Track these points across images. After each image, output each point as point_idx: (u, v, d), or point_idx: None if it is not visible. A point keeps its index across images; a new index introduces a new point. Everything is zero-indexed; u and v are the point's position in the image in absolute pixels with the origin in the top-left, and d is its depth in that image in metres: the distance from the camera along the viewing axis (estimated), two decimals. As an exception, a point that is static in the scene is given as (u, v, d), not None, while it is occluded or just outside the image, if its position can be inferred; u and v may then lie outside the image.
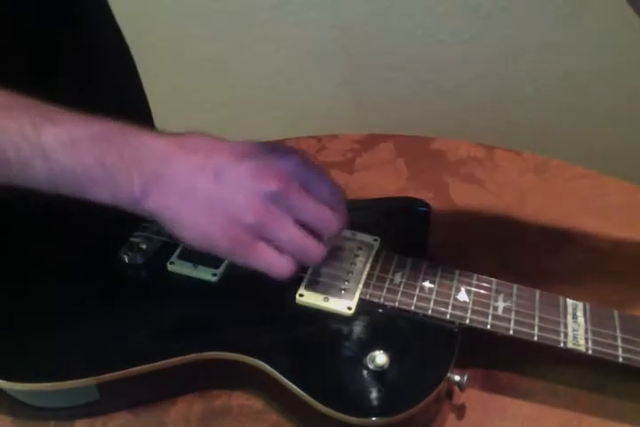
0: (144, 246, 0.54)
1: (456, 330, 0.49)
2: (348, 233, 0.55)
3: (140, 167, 0.44)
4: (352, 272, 0.52)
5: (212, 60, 1.08)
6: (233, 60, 1.07)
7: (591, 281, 0.58)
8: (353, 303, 0.50)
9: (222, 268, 0.52)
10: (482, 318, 0.48)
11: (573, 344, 0.47)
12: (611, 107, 1.05)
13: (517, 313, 0.49)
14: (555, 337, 0.47)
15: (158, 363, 0.47)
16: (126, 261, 0.53)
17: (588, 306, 0.50)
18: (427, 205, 0.59)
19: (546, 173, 0.72)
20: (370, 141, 0.77)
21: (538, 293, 0.50)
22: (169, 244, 0.54)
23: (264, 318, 0.50)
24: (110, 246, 0.54)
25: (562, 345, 0.47)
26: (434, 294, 0.50)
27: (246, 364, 0.47)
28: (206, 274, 0.52)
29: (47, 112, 0.44)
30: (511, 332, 0.48)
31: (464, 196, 0.69)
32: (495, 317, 0.49)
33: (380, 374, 0.45)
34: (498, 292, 0.50)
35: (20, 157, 0.42)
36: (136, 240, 0.55)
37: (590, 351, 0.47)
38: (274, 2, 0.98)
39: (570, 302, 0.50)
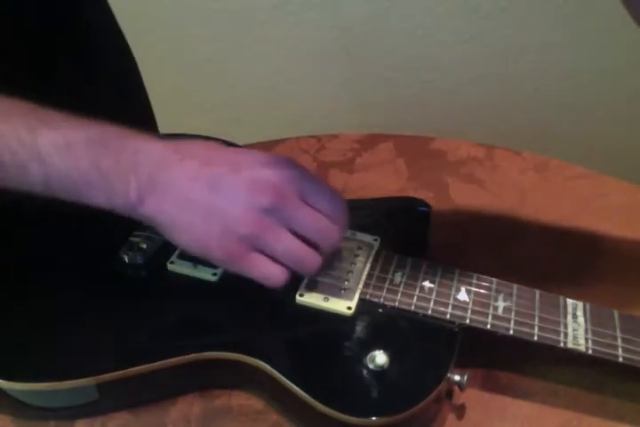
0: (144, 246, 0.54)
1: (456, 330, 0.49)
2: (348, 233, 0.55)
3: (135, 172, 0.44)
4: (352, 272, 0.52)
5: (211, 60, 1.08)
6: (233, 60, 1.07)
7: (591, 281, 0.58)
8: (353, 303, 0.50)
9: (222, 268, 0.52)
10: (482, 318, 0.48)
11: (573, 344, 0.47)
12: (611, 107, 1.05)
13: (517, 313, 0.49)
14: (555, 337, 0.47)
15: (158, 363, 0.47)
16: (126, 260, 0.53)
17: (587, 306, 0.50)
18: (427, 205, 0.59)
19: (546, 173, 0.72)
20: (370, 141, 0.77)
21: (538, 293, 0.50)
22: (169, 243, 0.53)
23: (264, 317, 0.50)
24: (110, 246, 0.54)
25: (562, 345, 0.47)
26: (434, 293, 0.50)
27: (246, 364, 0.47)
28: (206, 274, 0.52)
29: (43, 116, 0.44)
30: (511, 332, 0.48)
31: (464, 196, 0.69)
32: (495, 317, 0.49)
33: (379, 373, 0.45)
34: (498, 292, 0.50)
35: (15, 161, 0.42)
36: (136, 240, 0.55)
37: (590, 351, 0.47)
38: (274, 2, 0.98)
39: (570, 301, 0.50)
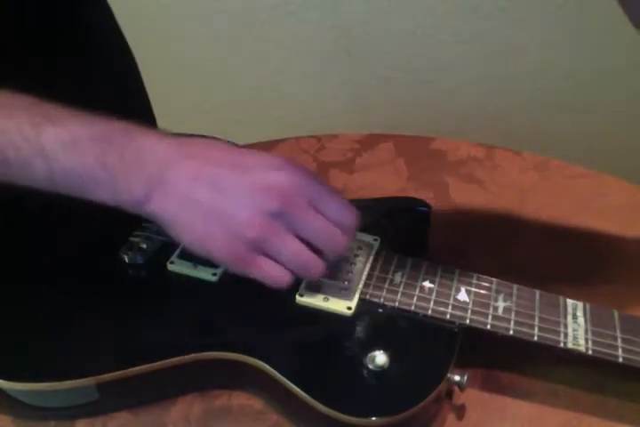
0: (144, 246, 0.54)
1: (456, 330, 0.49)
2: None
3: (139, 170, 0.44)
4: (352, 272, 0.52)
5: (211, 60, 1.08)
6: (233, 60, 1.07)
7: (591, 281, 0.58)
8: (353, 303, 0.50)
9: (222, 268, 0.52)
10: (482, 319, 0.48)
11: (573, 344, 0.47)
12: (611, 107, 1.05)
13: (517, 313, 0.49)
14: (555, 337, 0.47)
15: (158, 363, 0.47)
16: (126, 260, 0.53)
17: (587, 306, 0.50)
18: (427, 205, 0.59)
19: (546, 173, 0.72)
20: (370, 141, 0.77)
21: (538, 293, 0.50)
22: (169, 243, 0.54)
23: (264, 317, 0.50)
24: (110, 246, 0.54)
25: (562, 345, 0.47)
26: (434, 294, 0.50)
27: (246, 364, 0.47)
28: (206, 274, 0.52)
29: (47, 111, 0.44)
30: (511, 332, 0.48)
31: (464, 196, 0.69)
32: (495, 317, 0.49)
33: (379, 374, 0.45)
34: (498, 292, 0.50)
35: (19, 157, 0.42)
36: (136, 240, 0.55)
37: (590, 352, 0.47)
38: (274, 2, 0.98)
39: (570, 302, 0.50)
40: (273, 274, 0.46)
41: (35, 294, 0.51)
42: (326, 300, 0.50)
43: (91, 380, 0.46)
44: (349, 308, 0.50)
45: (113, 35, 0.65)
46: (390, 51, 1.02)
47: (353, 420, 0.44)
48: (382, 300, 0.50)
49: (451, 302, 0.50)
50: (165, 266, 0.53)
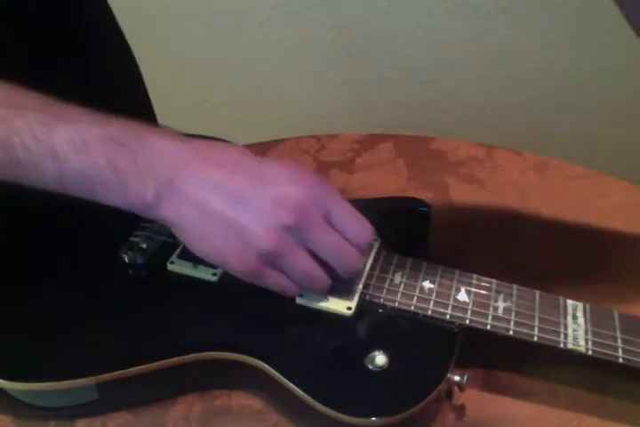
0: (144, 246, 0.54)
1: (456, 330, 0.49)
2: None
3: (154, 173, 0.43)
4: (352, 272, 0.52)
5: (211, 60, 1.08)
6: (233, 60, 1.07)
7: (591, 281, 0.58)
8: (353, 303, 0.50)
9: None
10: (482, 319, 0.48)
11: (573, 345, 0.47)
12: (611, 107, 1.05)
13: (517, 314, 0.49)
14: (555, 338, 0.47)
15: (158, 363, 0.47)
16: (126, 260, 0.53)
17: (588, 306, 0.50)
18: (427, 205, 0.59)
19: (546, 173, 0.72)
20: (370, 141, 0.77)
21: (538, 293, 0.50)
22: (169, 243, 0.54)
23: (264, 317, 0.50)
24: (110, 246, 0.54)
25: (562, 346, 0.47)
26: (434, 294, 0.50)
27: (246, 364, 0.47)
28: (206, 274, 0.52)
29: (59, 111, 0.43)
30: (511, 332, 0.48)
31: (464, 196, 0.69)
32: (495, 317, 0.49)
33: (379, 374, 0.45)
34: (498, 292, 0.50)
35: (30, 158, 0.41)
36: (136, 240, 0.55)
37: (590, 352, 0.47)
38: (274, 2, 0.98)
39: (570, 302, 0.50)
40: (282, 285, 0.47)
41: (35, 294, 0.51)
42: (326, 300, 0.50)
43: (90, 380, 0.46)
44: (349, 308, 0.50)
45: (113, 35, 0.64)
46: (390, 51, 1.02)
47: (353, 420, 0.44)
48: (382, 300, 0.50)
49: (450, 302, 0.50)
50: (165, 266, 0.53)
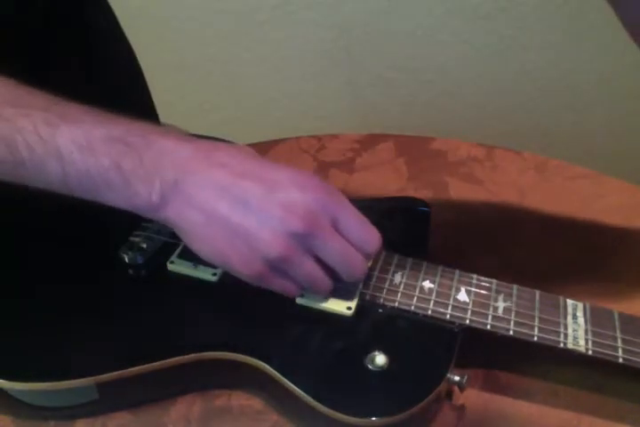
0: (144, 246, 0.54)
1: (456, 330, 0.49)
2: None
3: (160, 174, 0.42)
4: (352, 272, 0.52)
5: (212, 60, 1.08)
6: (233, 60, 1.07)
7: (591, 281, 0.58)
8: (353, 303, 0.50)
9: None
10: (482, 319, 0.48)
11: (573, 345, 0.47)
12: (611, 107, 1.05)
13: (517, 313, 0.49)
14: (554, 338, 0.47)
15: (158, 363, 0.47)
16: (126, 260, 0.53)
17: (587, 306, 0.50)
18: (427, 205, 0.59)
19: (546, 173, 0.72)
20: (370, 141, 0.77)
21: (538, 293, 0.50)
22: (169, 243, 0.54)
23: (264, 318, 0.50)
24: (110, 246, 0.54)
25: (562, 346, 0.47)
26: (434, 294, 0.50)
27: (246, 364, 0.47)
28: (206, 274, 0.52)
29: (64, 110, 0.43)
30: (511, 332, 0.48)
31: (464, 196, 0.69)
32: (495, 317, 0.49)
33: (379, 374, 0.45)
34: (498, 292, 0.50)
35: (34, 157, 0.41)
36: (136, 239, 0.54)
37: (590, 352, 0.47)
38: (274, 2, 0.98)
39: (570, 302, 0.50)
40: (286, 288, 0.47)
41: (35, 294, 0.51)
42: (326, 300, 0.50)
43: (90, 380, 0.46)
44: (349, 308, 0.50)
45: (114, 35, 0.64)
46: (390, 51, 1.02)
47: (353, 420, 0.44)
48: (382, 300, 0.50)
49: (450, 302, 0.50)
50: (165, 266, 0.53)
